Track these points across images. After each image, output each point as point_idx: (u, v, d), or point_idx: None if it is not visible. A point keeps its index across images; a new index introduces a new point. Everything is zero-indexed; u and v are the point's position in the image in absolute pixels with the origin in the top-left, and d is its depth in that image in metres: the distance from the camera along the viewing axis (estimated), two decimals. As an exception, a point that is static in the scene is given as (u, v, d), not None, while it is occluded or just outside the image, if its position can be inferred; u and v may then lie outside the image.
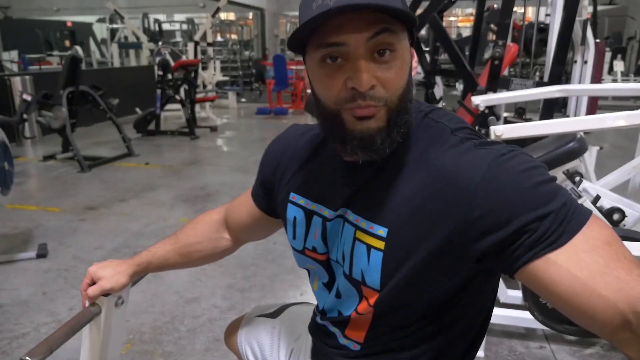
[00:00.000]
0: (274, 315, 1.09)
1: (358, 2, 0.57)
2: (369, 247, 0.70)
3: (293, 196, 0.83)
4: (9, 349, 1.95)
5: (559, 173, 1.80)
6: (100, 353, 1.02)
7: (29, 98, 4.59)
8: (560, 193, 0.59)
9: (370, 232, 0.69)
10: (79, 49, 10.61)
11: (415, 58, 0.69)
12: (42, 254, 2.77)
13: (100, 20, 14.19)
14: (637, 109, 1.84)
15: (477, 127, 2.70)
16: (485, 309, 0.78)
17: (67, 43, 14.04)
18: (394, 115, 0.64)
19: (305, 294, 2.41)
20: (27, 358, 0.82)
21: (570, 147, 1.72)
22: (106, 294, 0.95)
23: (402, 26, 0.63)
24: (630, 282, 0.53)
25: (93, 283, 0.94)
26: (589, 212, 0.59)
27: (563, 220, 0.57)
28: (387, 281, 0.69)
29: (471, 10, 17.77)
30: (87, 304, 0.96)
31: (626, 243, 0.92)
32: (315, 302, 0.94)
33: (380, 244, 0.68)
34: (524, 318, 1.85)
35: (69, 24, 15.12)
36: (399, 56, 0.63)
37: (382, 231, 0.68)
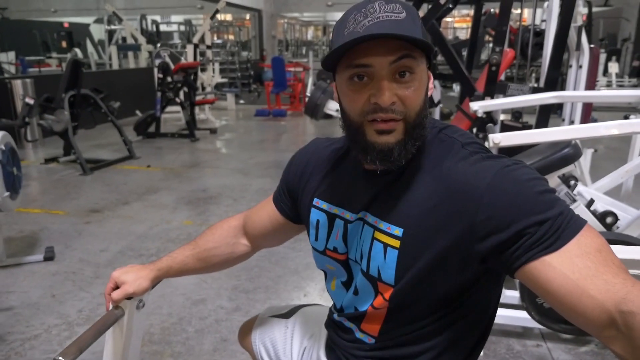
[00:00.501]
0: (286, 315, 1.16)
1: (384, 32, 0.67)
2: (386, 245, 0.78)
3: (317, 201, 0.91)
4: (22, 350, 2.00)
5: (554, 178, 1.87)
6: (123, 354, 1.07)
7: (31, 102, 4.64)
8: (559, 203, 0.67)
9: (387, 232, 0.78)
10: (78, 51, 10.62)
11: (432, 79, 0.78)
12: (49, 256, 2.82)
13: (98, 21, 14.19)
14: (630, 113, 1.92)
15: (475, 131, 2.78)
16: (490, 309, 0.85)
17: (64, 44, 14.06)
18: (411, 128, 0.73)
19: (309, 295, 2.48)
20: (60, 358, 0.88)
21: (565, 153, 1.79)
22: (129, 297, 1.00)
23: (421, 52, 0.72)
24: (617, 285, 0.60)
25: (116, 287, 1.00)
26: (584, 222, 0.67)
27: (559, 227, 0.65)
28: (401, 277, 0.77)
29: (467, 11, 17.86)
30: (110, 307, 1.02)
31: (619, 247, 0.99)
32: (326, 304, 1.01)
33: (396, 243, 0.77)
34: (521, 317, 1.92)
35: (65, 25, 15.13)
36: (418, 78, 0.72)
37: (398, 231, 0.76)
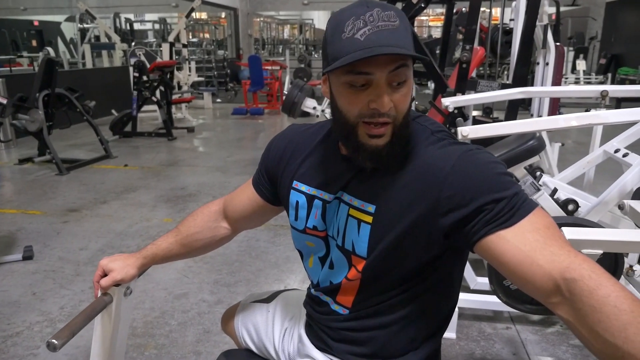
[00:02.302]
0: (267, 300, 1.22)
1: (385, 43, 0.73)
2: (360, 221, 0.86)
3: (296, 184, 0.97)
4: (4, 347, 2.01)
5: (520, 169, 1.97)
6: (112, 338, 1.12)
7: (4, 101, 4.57)
8: (515, 185, 0.76)
9: (361, 209, 0.86)
10: (50, 50, 10.40)
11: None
12: (28, 256, 2.81)
13: (69, 20, 13.90)
14: (596, 107, 2.04)
15: (447, 126, 2.88)
16: (455, 284, 0.94)
17: (34, 43, 13.73)
18: (398, 129, 0.80)
19: (289, 287, 2.53)
20: (54, 340, 0.92)
21: (529, 145, 1.89)
22: (116, 284, 1.05)
23: (412, 61, 0.79)
24: (562, 256, 0.69)
25: (104, 275, 1.04)
26: (536, 204, 0.76)
27: (514, 205, 0.74)
28: (373, 250, 0.85)
29: (441, 10, 18.12)
30: (99, 294, 1.06)
31: (578, 229, 1.08)
32: (305, 289, 1.09)
33: (369, 219, 0.85)
34: (492, 302, 2.02)
35: (35, 24, 14.78)
36: (408, 84, 0.79)
37: (371, 208, 0.85)
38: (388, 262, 0.85)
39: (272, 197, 1.05)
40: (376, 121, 0.78)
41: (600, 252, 1.10)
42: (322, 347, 0.99)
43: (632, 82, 9.80)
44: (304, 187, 0.96)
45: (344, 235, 0.89)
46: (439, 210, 0.77)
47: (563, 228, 1.10)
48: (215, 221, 1.13)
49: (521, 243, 0.71)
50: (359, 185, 0.87)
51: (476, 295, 2.13)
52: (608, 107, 2.11)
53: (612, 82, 10.21)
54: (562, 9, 6.39)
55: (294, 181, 0.97)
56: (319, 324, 0.99)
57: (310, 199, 0.94)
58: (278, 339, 1.14)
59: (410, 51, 0.74)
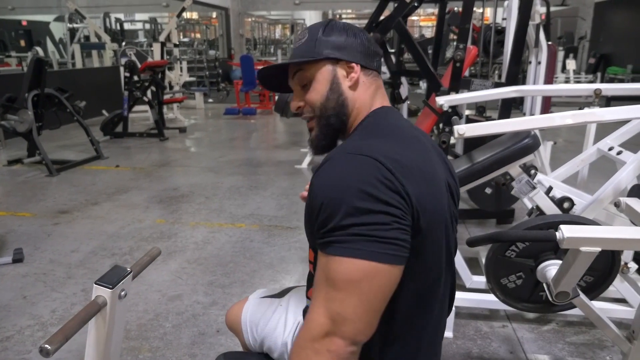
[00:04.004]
0: (280, 295, 1.22)
1: (279, 63, 0.99)
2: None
3: None
4: (-5, 352, 1.98)
5: (515, 167, 1.97)
6: (106, 343, 1.10)
7: (-8, 102, 4.49)
8: (341, 218, 0.76)
9: None
10: (39, 49, 10.28)
11: (356, 69, 0.93)
12: (18, 258, 2.76)
13: (58, 19, 13.76)
14: (586, 106, 2.05)
15: (441, 125, 2.88)
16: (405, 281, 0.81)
17: (23, 43, 13.58)
18: (319, 119, 0.95)
19: (281, 287, 2.52)
20: (47, 346, 0.90)
21: (525, 144, 1.89)
22: (111, 287, 1.03)
23: (309, 65, 0.94)
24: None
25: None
26: (345, 253, 0.75)
27: (330, 236, 0.79)
28: (311, 245, 0.92)
29: (432, 10, 18.20)
30: (94, 291, 1.04)
31: (576, 227, 1.07)
32: (301, 289, 1.10)
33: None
34: (488, 300, 2.02)
35: (24, 23, 14.61)
36: (318, 79, 0.93)
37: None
38: (314, 250, 0.90)
39: None
40: (302, 118, 0.97)
41: (598, 249, 1.10)
42: None
43: (621, 81, 9.90)
44: None
45: None
46: (309, 203, 0.82)
47: (561, 226, 1.10)
48: None
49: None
50: None
51: (472, 294, 2.12)
52: (598, 105, 2.11)
53: (602, 81, 10.31)
54: (551, 9, 6.44)
55: None
56: None
57: None
58: (290, 332, 1.12)
59: (296, 59, 0.94)
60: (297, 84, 0.96)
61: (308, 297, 1.06)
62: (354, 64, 0.93)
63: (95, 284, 1.05)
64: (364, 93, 0.94)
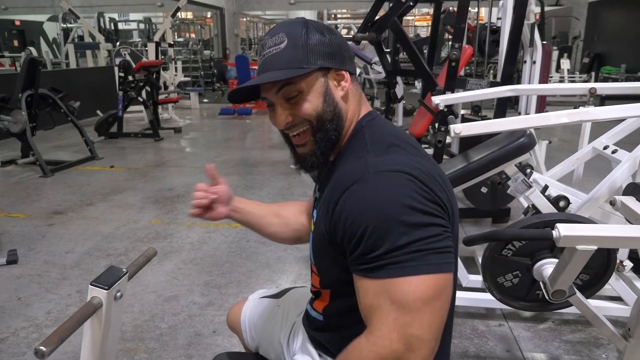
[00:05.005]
0: (278, 296, 1.23)
1: (261, 73, 0.83)
2: (311, 229, 0.91)
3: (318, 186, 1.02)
4: (-11, 354, 1.96)
5: (511, 166, 1.97)
6: (102, 344, 1.09)
7: (-15, 102, 4.46)
8: (396, 238, 0.73)
9: (313, 217, 0.90)
10: (32, 50, 10.22)
11: (346, 77, 0.86)
12: (12, 260, 2.74)
13: (52, 19, 13.67)
14: (581, 106, 2.05)
15: (437, 125, 2.88)
16: None
17: (16, 43, 13.49)
18: (317, 130, 0.84)
19: (280, 288, 2.51)
20: (42, 347, 0.89)
21: (520, 142, 1.89)
22: (106, 288, 1.02)
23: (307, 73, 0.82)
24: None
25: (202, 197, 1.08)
26: (411, 272, 0.72)
27: (382, 260, 0.75)
28: (315, 258, 0.89)
29: (427, 10, 18.24)
30: (88, 298, 1.03)
31: (573, 225, 1.08)
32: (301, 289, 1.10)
33: (313, 227, 0.89)
34: (485, 299, 2.02)
35: (17, 23, 14.52)
36: (309, 91, 0.83)
37: (315, 216, 0.88)
38: (325, 268, 0.86)
39: None
40: (289, 135, 0.87)
41: (595, 247, 1.11)
42: (316, 347, 0.99)
43: (615, 80, 9.95)
44: (316, 187, 1.01)
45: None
46: (335, 225, 0.77)
47: (557, 225, 1.10)
48: (302, 213, 1.16)
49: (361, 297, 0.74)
50: (319, 193, 0.92)
51: (469, 292, 2.12)
52: (593, 105, 2.12)
53: (596, 81, 10.36)
54: (546, 8, 6.46)
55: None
56: (305, 328, 1.02)
57: (315, 201, 0.99)
58: (286, 333, 1.13)
59: (282, 72, 0.80)
60: (282, 97, 0.84)
61: (314, 308, 0.96)
62: (343, 72, 0.86)
63: (91, 285, 1.04)
64: (353, 102, 0.88)
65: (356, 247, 0.72)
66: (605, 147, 2.30)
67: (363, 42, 4.39)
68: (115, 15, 13.79)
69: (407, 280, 0.69)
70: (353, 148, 0.84)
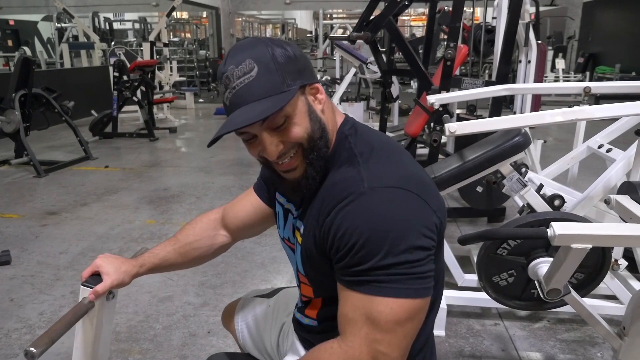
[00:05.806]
0: (269, 295, 1.23)
1: (238, 108, 0.75)
2: (297, 241, 0.88)
3: (277, 195, 0.99)
4: (-19, 356, 1.94)
5: (507, 165, 1.97)
6: (94, 345, 1.08)
7: (-22, 102, 4.43)
8: (384, 257, 0.73)
9: (299, 229, 0.87)
10: (26, 49, 10.16)
11: (321, 90, 0.82)
12: (5, 260, 2.72)
13: (46, 19, 13.60)
14: (576, 105, 2.05)
15: (432, 124, 2.88)
16: None
17: (10, 43, 13.40)
18: (309, 152, 0.79)
19: (276, 287, 2.50)
20: (32, 349, 0.87)
21: (515, 141, 1.89)
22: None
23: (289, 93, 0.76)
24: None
25: (95, 273, 1.00)
26: (396, 293, 0.73)
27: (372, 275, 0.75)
28: (305, 268, 0.87)
29: (422, 10, 18.27)
30: (81, 298, 1.02)
31: (568, 224, 1.07)
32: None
33: (300, 239, 0.86)
34: (480, 298, 2.02)
35: (11, 23, 14.42)
36: (295, 114, 0.77)
37: (301, 227, 0.85)
38: (320, 279, 0.86)
39: (271, 202, 1.05)
40: (279, 161, 0.79)
41: (589, 246, 1.10)
42: (307, 347, 0.98)
43: (609, 80, 9.98)
44: (282, 199, 0.98)
45: (295, 254, 0.91)
46: (324, 235, 0.77)
47: (552, 223, 1.10)
48: (215, 229, 1.11)
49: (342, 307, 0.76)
50: (304, 206, 0.87)
51: (464, 292, 2.13)
52: (588, 104, 2.12)
53: (590, 80, 10.40)
54: (541, 8, 6.49)
55: (277, 192, 0.99)
56: (297, 333, 1.01)
57: (286, 211, 0.96)
58: (276, 333, 1.13)
59: (266, 103, 0.72)
60: (268, 128, 0.76)
61: (307, 316, 0.97)
62: (316, 85, 0.81)
63: (82, 285, 1.03)
64: (329, 112, 0.84)
65: (342, 259, 0.73)
66: (600, 146, 2.30)
67: (358, 41, 4.39)
68: (110, 15, 13.71)
69: (384, 301, 0.70)
70: (341, 157, 0.82)
